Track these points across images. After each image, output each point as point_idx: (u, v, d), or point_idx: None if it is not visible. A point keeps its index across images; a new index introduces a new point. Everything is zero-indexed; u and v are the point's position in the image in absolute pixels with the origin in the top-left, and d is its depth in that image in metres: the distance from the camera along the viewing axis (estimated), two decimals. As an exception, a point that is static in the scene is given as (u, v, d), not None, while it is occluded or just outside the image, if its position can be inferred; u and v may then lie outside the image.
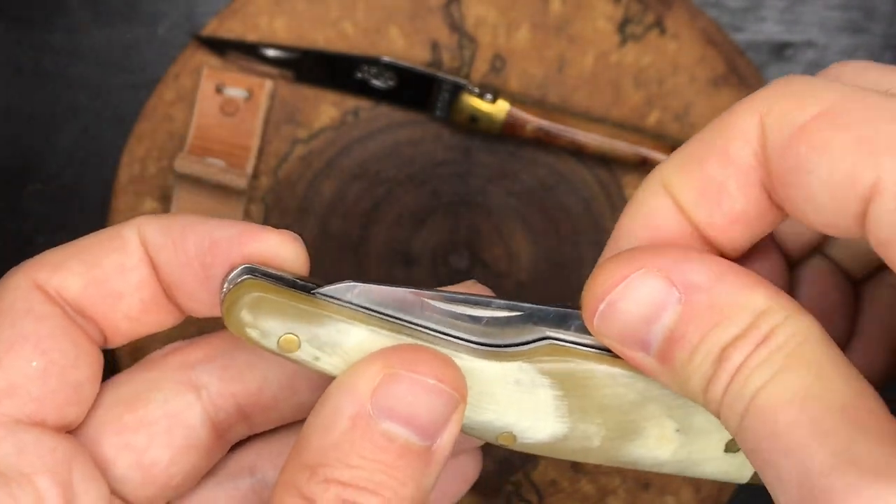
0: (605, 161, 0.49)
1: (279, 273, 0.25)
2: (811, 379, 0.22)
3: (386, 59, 0.47)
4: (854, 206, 0.21)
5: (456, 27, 0.48)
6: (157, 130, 0.48)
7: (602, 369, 0.25)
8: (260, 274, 0.25)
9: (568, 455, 0.27)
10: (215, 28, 0.48)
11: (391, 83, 0.48)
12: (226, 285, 0.25)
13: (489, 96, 0.47)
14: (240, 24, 0.48)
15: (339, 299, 0.25)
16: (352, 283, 0.25)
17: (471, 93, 0.47)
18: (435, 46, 0.48)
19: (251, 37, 0.48)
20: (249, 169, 0.47)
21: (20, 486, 0.23)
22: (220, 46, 0.47)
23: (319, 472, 0.24)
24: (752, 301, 0.23)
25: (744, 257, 0.26)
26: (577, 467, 0.50)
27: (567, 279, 0.50)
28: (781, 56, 0.50)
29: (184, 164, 0.46)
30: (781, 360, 0.22)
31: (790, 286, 0.29)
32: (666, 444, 0.26)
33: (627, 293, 0.24)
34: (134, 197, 0.49)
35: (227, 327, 0.25)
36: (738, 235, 0.25)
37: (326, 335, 0.25)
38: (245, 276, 0.25)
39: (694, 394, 0.24)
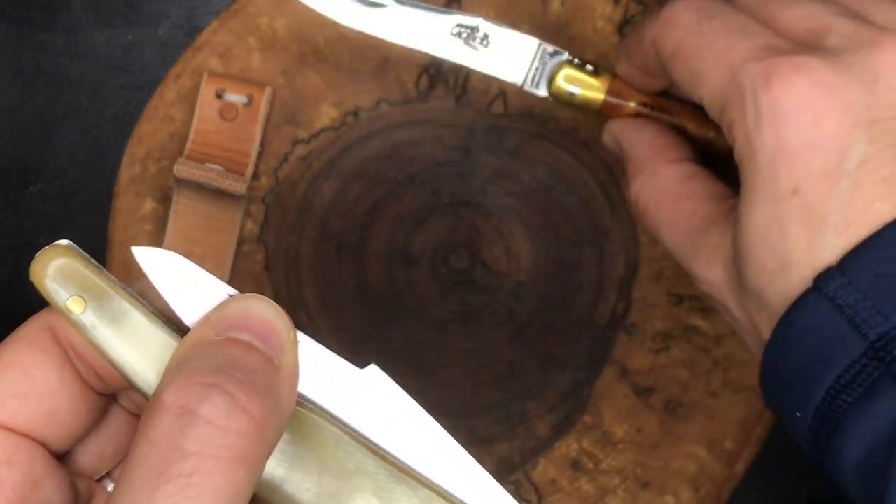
0: (605, 162, 0.49)
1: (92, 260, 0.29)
2: None
3: (484, 19, 0.44)
4: None
5: (456, 28, 0.48)
6: (158, 131, 0.49)
7: (334, 431, 0.28)
8: (77, 249, 0.28)
9: (278, 500, 0.28)
10: (216, 29, 0.48)
11: (485, 47, 0.43)
12: (46, 247, 0.29)
13: (590, 67, 0.43)
14: (240, 24, 0.48)
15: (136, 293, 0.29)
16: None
17: (572, 64, 0.43)
18: (435, 47, 0.48)
19: (251, 38, 0.48)
20: (248, 174, 0.47)
21: None
22: None
23: (170, 373, 0.26)
24: None
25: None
26: (576, 466, 0.50)
27: (567, 279, 0.50)
28: (782, 56, 0.50)
29: (183, 169, 0.46)
30: None
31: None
32: None
33: None
34: (135, 197, 0.49)
35: (30, 276, 0.28)
36: None
37: (110, 309, 0.28)
38: (66, 242, 0.28)
39: None
